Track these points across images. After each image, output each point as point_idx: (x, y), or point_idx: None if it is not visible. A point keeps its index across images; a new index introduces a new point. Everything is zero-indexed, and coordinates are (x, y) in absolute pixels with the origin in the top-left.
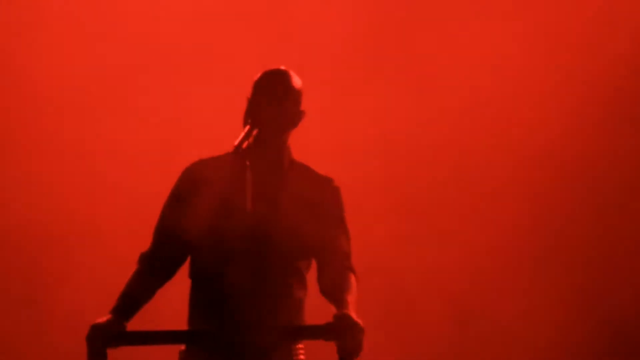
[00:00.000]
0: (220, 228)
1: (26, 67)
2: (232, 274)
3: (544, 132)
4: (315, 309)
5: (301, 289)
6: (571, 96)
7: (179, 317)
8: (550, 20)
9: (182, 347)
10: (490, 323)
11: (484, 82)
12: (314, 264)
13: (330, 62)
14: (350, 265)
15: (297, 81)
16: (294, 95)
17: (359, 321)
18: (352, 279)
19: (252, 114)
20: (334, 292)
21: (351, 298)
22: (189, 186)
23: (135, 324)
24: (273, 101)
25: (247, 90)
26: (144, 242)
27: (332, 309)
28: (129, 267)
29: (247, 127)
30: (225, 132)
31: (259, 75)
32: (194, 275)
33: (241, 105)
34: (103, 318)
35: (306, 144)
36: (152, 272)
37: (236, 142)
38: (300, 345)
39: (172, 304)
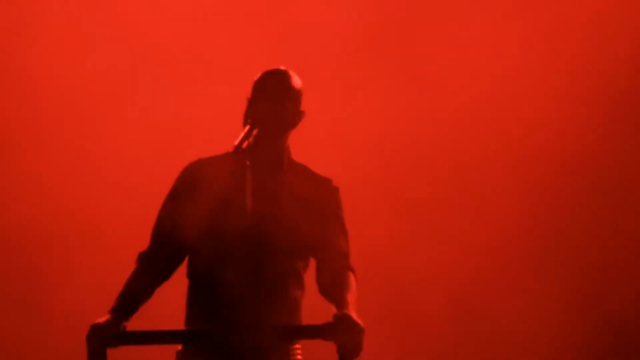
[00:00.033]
0: (220, 228)
1: (26, 67)
2: (230, 273)
3: (544, 132)
4: (315, 309)
5: (298, 289)
6: (571, 96)
7: (178, 317)
8: (550, 20)
9: (179, 347)
10: (490, 323)
11: (484, 82)
12: (311, 265)
13: (330, 62)
14: (349, 265)
15: (297, 81)
16: (294, 95)
17: (359, 321)
18: (352, 278)
19: (252, 114)
20: (334, 291)
21: (351, 298)
22: (188, 185)
23: (135, 324)
24: (273, 101)
25: (247, 90)
26: (144, 242)
27: (331, 309)
28: (129, 267)
29: (247, 127)
30: (226, 132)
31: (259, 75)
32: (191, 274)
33: (241, 105)
34: (102, 318)
35: (306, 144)
36: (150, 272)
37: (236, 142)
38: (297, 346)
39: (171, 304)
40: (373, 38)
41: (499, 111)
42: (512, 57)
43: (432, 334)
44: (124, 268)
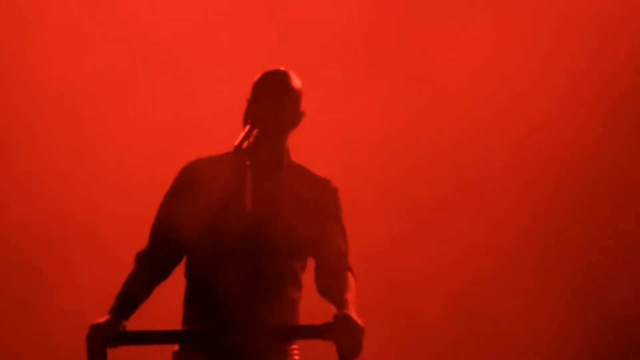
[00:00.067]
0: (219, 228)
1: (26, 67)
2: (229, 273)
3: (544, 132)
4: (313, 309)
5: (296, 289)
6: (571, 96)
7: (178, 317)
8: (550, 20)
9: (176, 347)
10: (490, 323)
11: (484, 82)
12: (310, 265)
13: (330, 62)
14: (348, 265)
15: (296, 82)
16: (294, 96)
17: (359, 321)
18: (351, 277)
19: (252, 114)
20: (333, 291)
21: (351, 297)
22: (187, 185)
23: (135, 324)
24: (273, 101)
25: (247, 91)
26: (144, 242)
27: (329, 309)
28: (129, 267)
29: (247, 127)
30: (226, 132)
31: (258, 75)
32: (189, 274)
33: (241, 106)
34: (102, 318)
35: (306, 144)
36: (148, 271)
37: (236, 142)
38: (294, 346)
39: (172, 304)
40: (373, 38)
41: (499, 111)
42: (512, 57)
43: (432, 334)
44: (124, 268)
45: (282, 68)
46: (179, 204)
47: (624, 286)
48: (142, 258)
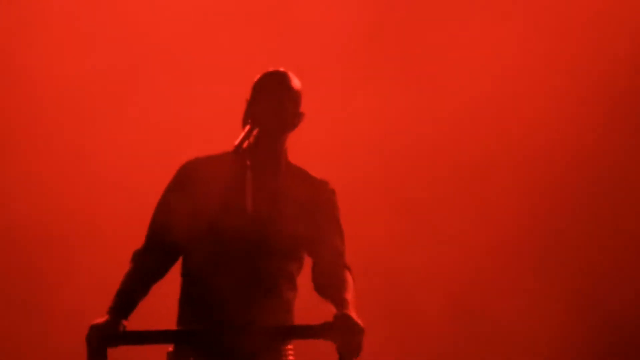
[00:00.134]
0: (218, 227)
1: (26, 67)
2: (226, 273)
3: (544, 132)
4: (312, 309)
5: (291, 290)
6: (571, 96)
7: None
8: (550, 20)
9: (170, 347)
10: (490, 323)
11: (484, 82)
12: (306, 266)
13: (330, 62)
14: (345, 263)
15: (296, 83)
16: (294, 96)
17: (359, 321)
18: (349, 276)
19: (252, 114)
20: (332, 291)
21: (350, 297)
22: (185, 183)
23: (136, 324)
24: (273, 102)
25: (247, 91)
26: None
27: (325, 309)
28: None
29: (248, 127)
30: (226, 132)
31: (258, 76)
32: (186, 274)
33: (241, 106)
34: (102, 318)
35: (307, 144)
36: (145, 270)
37: (237, 142)
38: (289, 346)
39: (172, 303)
40: (373, 38)
41: (499, 111)
42: (512, 57)
43: (432, 334)
44: (124, 268)
45: (281, 69)
46: (176, 203)
47: (624, 286)
48: (139, 257)
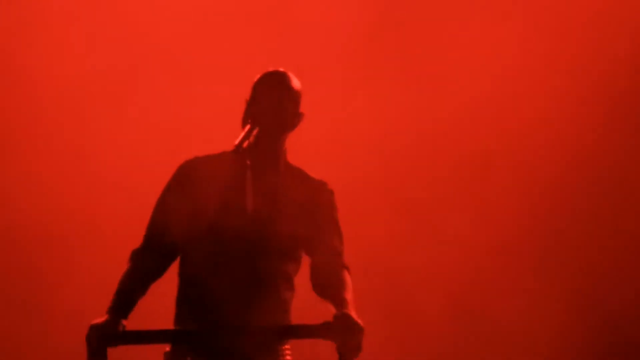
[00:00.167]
0: (218, 227)
1: (26, 67)
2: (224, 273)
3: (544, 132)
4: (311, 309)
5: (289, 290)
6: (571, 96)
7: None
8: (550, 20)
9: (167, 347)
10: (490, 323)
11: (484, 82)
12: (303, 266)
13: (330, 62)
14: (343, 263)
15: (296, 83)
16: (293, 97)
17: (359, 321)
18: (347, 276)
19: (252, 114)
20: (331, 291)
21: (349, 297)
22: (184, 183)
23: (136, 324)
24: (273, 102)
25: (247, 91)
26: None
27: (324, 309)
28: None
29: (248, 127)
30: (226, 132)
31: (258, 76)
32: (183, 273)
33: (241, 106)
34: (102, 318)
35: (307, 144)
36: (143, 269)
37: (237, 141)
38: (287, 346)
39: (170, 303)
40: (373, 38)
41: (499, 111)
42: (512, 57)
43: (432, 334)
44: (123, 268)
45: (281, 69)
46: (175, 202)
47: (624, 286)
48: (137, 256)
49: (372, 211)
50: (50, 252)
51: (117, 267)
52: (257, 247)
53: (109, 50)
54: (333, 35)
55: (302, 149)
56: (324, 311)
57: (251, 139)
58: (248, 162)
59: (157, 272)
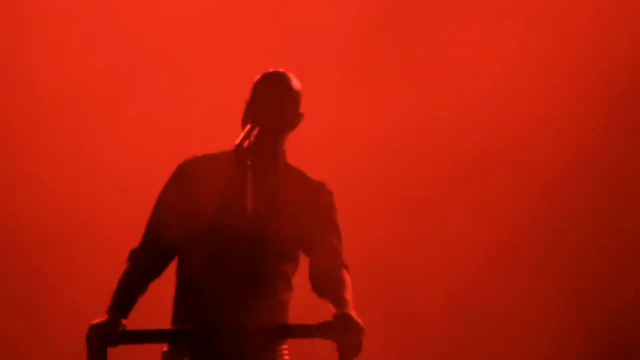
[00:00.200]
0: (217, 227)
1: (26, 67)
2: (223, 273)
3: (544, 132)
4: (310, 309)
5: (287, 290)
6: (571, 96)
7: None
8: (550, 20)
9: (165, 347)
10: (490, 323)
11: (484, 82)
12: (302, 266)
13: (330, 62)
14: (343, 263)
15: (296, 83)
16: (293, 97)
17: (359, 320)
18: (346, 275)
19: (252, 114)
20: (330, 290)
21: (349, 296)
22: (183, 182)
23: (136, 324)
24: (272, 102)
25: (247, 91)
26: None
27: (323, 309)
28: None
29: (248, 127)
30: (226, 132)
31: (258, 76)
32: (181, 273)
33: (241, 106)
34: (101, 318)
35: (307, 144)
36: (142, 268)
37: (237, 141)
38: (284, 346)
39: (169, 303)
40: (373, 38)
41: (499, 111)
42: (512, 57)
43: (432, 334)
44: (123, 268)
45: (281, 69)
46: (174, 202)
47: (624, 286)
48: (136, 255)
49: (372, 211)
50: (50, 252)
51: (117, 267)
52: (256, 247)
53: (109, 50)
54: (333, 35)
55: (302, 149)
56: (324, 311)
57: (251, 139)
58: (248, 162)
59: (156, 271)
